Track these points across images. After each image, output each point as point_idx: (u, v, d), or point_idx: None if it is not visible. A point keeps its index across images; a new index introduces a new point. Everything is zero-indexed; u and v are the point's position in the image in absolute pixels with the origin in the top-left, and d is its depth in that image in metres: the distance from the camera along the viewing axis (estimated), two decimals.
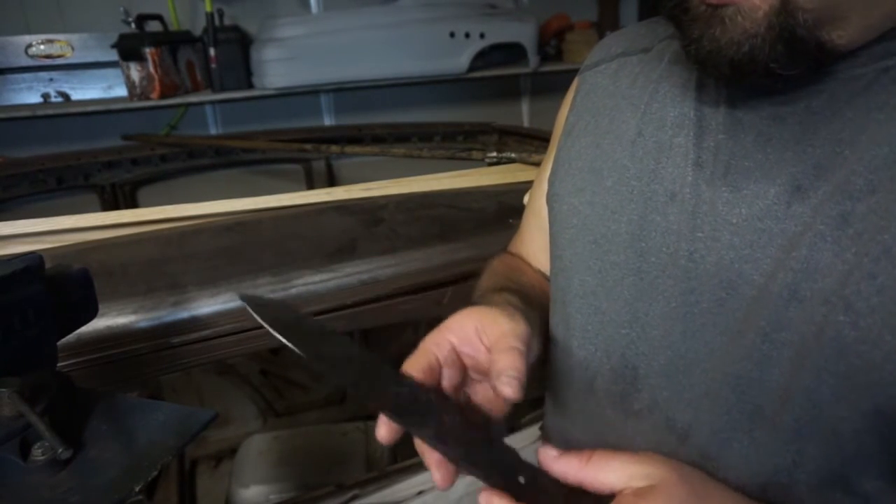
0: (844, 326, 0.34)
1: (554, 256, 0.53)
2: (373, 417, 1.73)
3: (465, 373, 0.43)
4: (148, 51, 1.76)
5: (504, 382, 0.37)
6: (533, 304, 0.52)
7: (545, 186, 0.55)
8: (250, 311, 0.39)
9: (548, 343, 0.54)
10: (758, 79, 0.36)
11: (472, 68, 2.08)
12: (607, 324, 0.46)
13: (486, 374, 0.42)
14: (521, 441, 1.09)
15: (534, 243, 0.62)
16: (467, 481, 1.05)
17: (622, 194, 0.45)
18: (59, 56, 1.85)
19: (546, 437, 0.60)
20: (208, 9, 1.85)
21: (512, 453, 0.39)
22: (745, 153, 0.39)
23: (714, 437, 0.41)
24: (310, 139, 1.79)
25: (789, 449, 0.38)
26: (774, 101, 0.39)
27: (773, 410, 0.38)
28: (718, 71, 0.36)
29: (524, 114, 2.63)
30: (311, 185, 2.19)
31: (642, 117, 0.46)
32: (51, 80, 1.91)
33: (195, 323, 0.79)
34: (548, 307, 0.55)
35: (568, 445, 0.48)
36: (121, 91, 1.91)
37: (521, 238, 0.66)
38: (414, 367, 0.41)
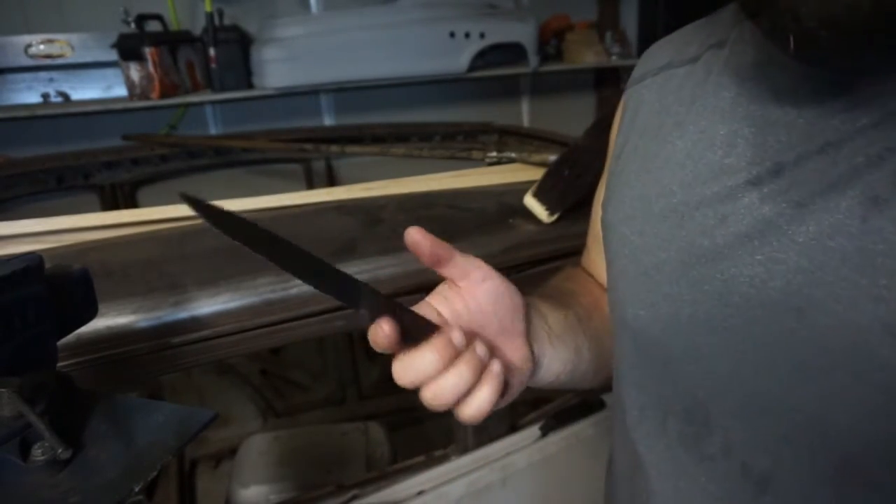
0: None
1: (609, 288, 0.50)
2: (373, 417, 1.73)
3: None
4: (148, 51, 1.77)
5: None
6: (570, 308, 0.51)
7: (600, 213, 0.52)
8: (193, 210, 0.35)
9: (581, 353, 0.52)
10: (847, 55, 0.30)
11: (472, 68, 2.08)
12: (670, 361, 0.43)
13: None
14: (521, 441, 1.09)
15: (598, 260, 0.58)
16: (467, 481, 1.06)
17: (671, 221, 0.42)
18: (58, 56, 1.85)
19: (608, 483, 0.56)
20: (208, 9, 1.85)
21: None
22: (809, 163, 0.35)
23: (796, 488, 0.37)
24: (310, 139, 1.79)
25: None
26: (844, 104, 0.34)
27: (869, 464, 0.34)
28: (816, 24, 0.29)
29: (524, 114, 2.63)
30: (311, 185, 2.19)
31: (690, 137, 0.42)
32: (51, 79, 1.91)
33: (195, 323, 0.79)
34: (593, 316, 0.54)
35: (636, 490, 0.47)
36: (121, 91, 1.91)
37: (588, 256, 0.63)
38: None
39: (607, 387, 0.55)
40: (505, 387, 0.42)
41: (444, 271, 0.43)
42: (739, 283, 0.37)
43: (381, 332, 0.37)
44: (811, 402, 0.35)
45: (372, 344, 0.38)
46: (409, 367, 0.39)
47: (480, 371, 0.39)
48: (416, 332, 0.39)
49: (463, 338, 0.39)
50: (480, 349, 0.39)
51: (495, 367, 0.40)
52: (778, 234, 0.35)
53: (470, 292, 0.43)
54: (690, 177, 0.41)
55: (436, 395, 0.38)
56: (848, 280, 0.32)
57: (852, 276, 0.32)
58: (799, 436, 0.36)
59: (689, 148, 0.42)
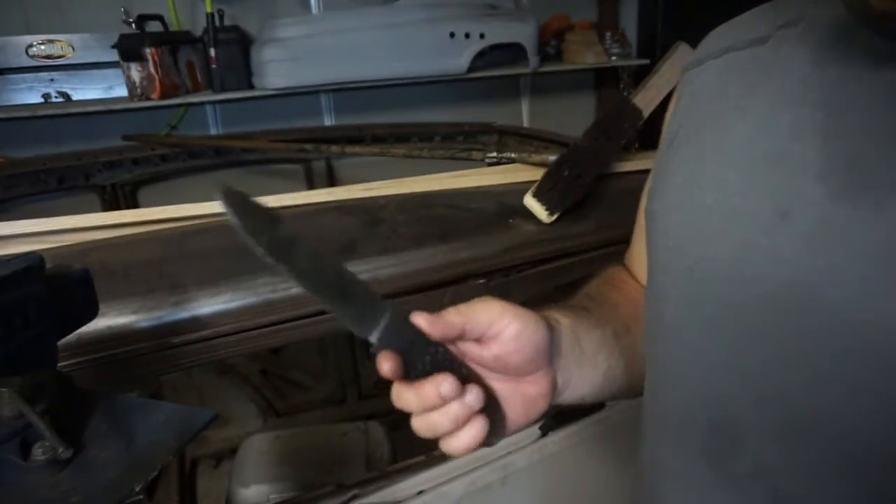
0: None
1: (648, 282, 0.47)
2: (373, 417, 1.73)
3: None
4: (148, 51, 1.77)
5: (416, 313, 0.40)
6: (602, 321, 0.50)
7: (646, 204, 0.49)
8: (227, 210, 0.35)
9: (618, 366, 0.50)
10: None
11: (472, 68, 2.08)
12: (702, 366, 0.39)
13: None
14: (521, 441, 1.09)
15: (640, 255, 0.55)
16: (467, 481, 1.06)
17: (723, 213, 0.37)
18: (59, 56, 1.85)
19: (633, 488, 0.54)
20: (208, 9, 1.85)
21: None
22: (885, 160, 0.31)
23: None
24: (310, 139, 1.79)
25: None
26: None
27: None
28: None
29: (524, 114, 2.63)
30: (311, 185, 2.19)
31: (752, 121, 0.38)
32: (51, 80, 1.91)
33: (195, 323, 0.79)
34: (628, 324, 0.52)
35: (655, 500, 0.46)
36: (121, 91, 1.91)
37: (630, 253, 0.60)
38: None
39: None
40: (505, 421, 0.44)
41: (465, 343, 0.43)
42: (797, 290, 0.33)
43: (382, 369, 0.39)
44: (871, 431, 0.31)
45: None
46: (398, 398, 0.41)
47: (464, 420, 0.40)
48: (422, 364, 0.41)
49: (452, 389, 0.39)
50: (471, 398, 0.40)
51: (479, 422, 0.41)
52: (847, 237, 0.31)
53: (491, 341, 0.43)
54: (749, 165, 0.37)
55: (417, 428, 0.41)
56: None
57: None
58: (847, 466, 0.33)
59: (750, 133, 0.37)
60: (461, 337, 0.42)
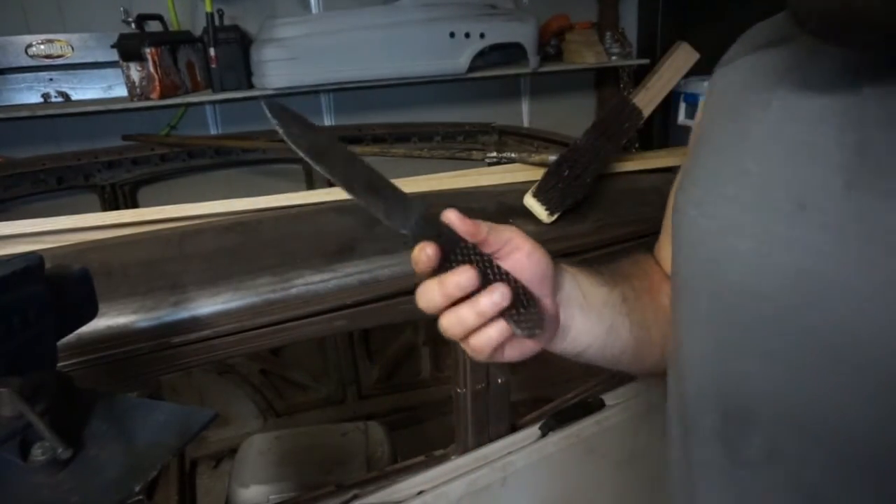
0: None
1: (672, 274, 0.48)
2: (373, 417, 1.73)
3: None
4: (148, 51, 1.76)
5: (449, 210, 0.42)
6: (618, 285, 0.52)
7: (672, 202, 0.50)
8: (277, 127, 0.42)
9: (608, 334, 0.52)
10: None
11: (472, 68, 2.08)
12: (721, 353, 0.40)
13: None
14: (521, 441, 1.09)
15: (666, 249, 0.57)
16: (467, 481, 1.06)
17: (744, 204, 0.38)
18: (59, 56, 1.85)
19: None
20: (208, 9, 1.85)
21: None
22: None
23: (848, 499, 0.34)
24: None
25: None
26: None
27: None
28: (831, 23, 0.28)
29: (524, 114, 2.63)
30: (311, 185, 2.19)
31: (774, 115, 0.38)
32: (51, 80, 1.91)
33: (195, 323, 0.79)
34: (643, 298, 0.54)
35: (682, 487, 0.47)
36: (121, 91, 1.91)
37: (658, 245, 0.62)
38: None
39: (649, 373, 0.56)
40: (519, 342, 0.45)
41: (482, 247, 0.46)
42: (815, 277, 0.33)
43: (422, 257, 0.41)
44: (880, 415, 0.31)
45: (412, 262, 0.42)
46: (422, 295, 0.43)
47: (491, 314, 0.42)
48: (453, 257, 0.43)
49: (471, 280, 0.41)
50: (497, 295, 0.41)
51: (501, 323, 0.43)
52: (864, 228, 0.31)
53: (507, 256, 0.46)
54: (769, 154, 0.38)
55: (445, 326, 0.43)
56: None
57: None
58: (867, 458, 0.33)
59: (772, 124, 0.38)
60: (484, 244, 0.45)
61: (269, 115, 0.40)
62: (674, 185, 0.55)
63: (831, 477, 0.34)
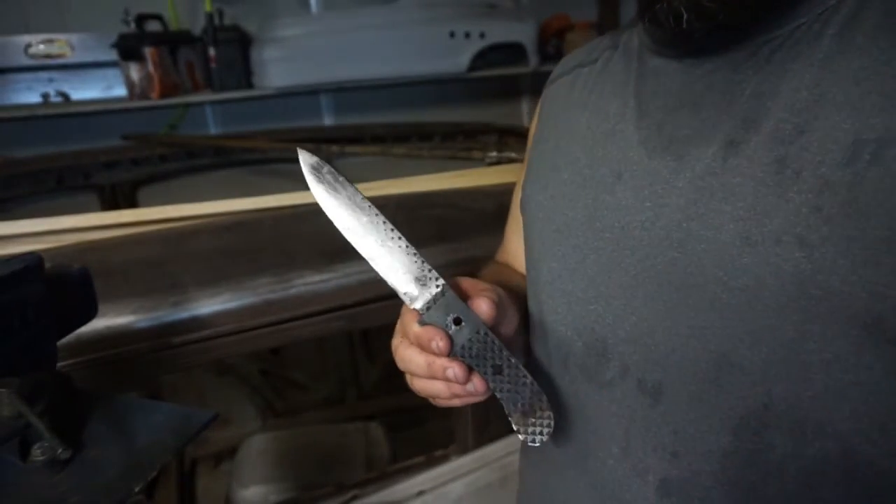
0: (801, 261, 0.36)
1: (526, 252, 0.58)
2: (373, 417, 1.73)
3: None
4: (148, 51, 1.77)
5: (482, 298, 0.44)
6: (516, 298, 0.56)
7: (521, 194, 0.60)
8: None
9: (527, 335, 0.58)
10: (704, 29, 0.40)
11: (472, 68, 2.08)
12: (574, 303, 0.50)
13: None
14: (517, 442, 1.09)
15: (517, 248, 0.65)
16: (467, 481, 1.06)
17: (576, 183, 0.50)
18: (58, 56, 1.85)
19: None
20: (208, 9, 1.85)
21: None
22: (683, 124, 0.43)
23: (684, 390, 0.43)
24: (310, 139, 1.79)
25: (759, 392, 0.39)
26: (702, 73, 0.44)
27: (740, 356, 0.40)
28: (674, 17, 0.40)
29: (524, 114, 2.63)
30: None
31: (590, 114, 0.52)
32: (50, 79, 1.91)
33: (195, 323, 0.79)
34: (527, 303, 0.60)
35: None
36: (121, 91, 1.91)
37: (504, 247, 0.71)
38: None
39: None
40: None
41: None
42: (633, 227, 0.45)
43: (436, 346, 0.43)
44: (692, 314, 0.41)
45: (414, 338, 0.44)
46: (404, 361, 0.46)
47: (462, 396, 0.46)
48: (464, 343, 0.44)
49: (460, 373, 0.43)
50: (471, 387, 0.44)
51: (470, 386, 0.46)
52: (662, 182, 0.43)
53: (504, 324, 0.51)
54: (591, 143, 0.50)
55: (417, 388, 0.48)
56: (716, 210, 0.40)
57: (719, 206, 0.40)
58: (683, 345, 0.42)
59: (589, 121, 0.51)
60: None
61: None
62: (516, 187, 0.67)
63: (669, 374, 0.43)
